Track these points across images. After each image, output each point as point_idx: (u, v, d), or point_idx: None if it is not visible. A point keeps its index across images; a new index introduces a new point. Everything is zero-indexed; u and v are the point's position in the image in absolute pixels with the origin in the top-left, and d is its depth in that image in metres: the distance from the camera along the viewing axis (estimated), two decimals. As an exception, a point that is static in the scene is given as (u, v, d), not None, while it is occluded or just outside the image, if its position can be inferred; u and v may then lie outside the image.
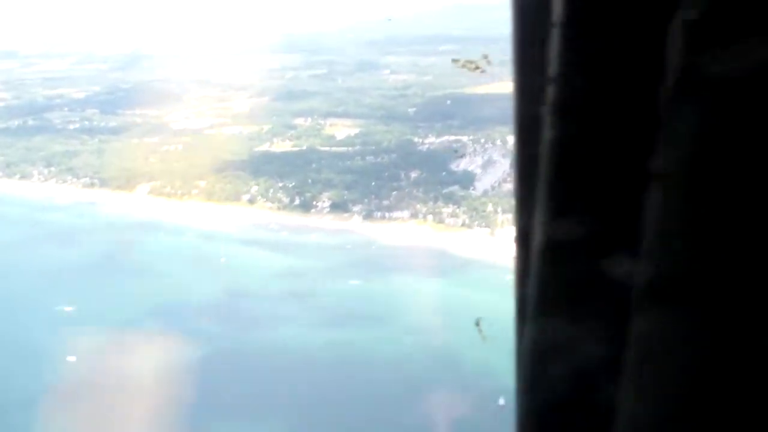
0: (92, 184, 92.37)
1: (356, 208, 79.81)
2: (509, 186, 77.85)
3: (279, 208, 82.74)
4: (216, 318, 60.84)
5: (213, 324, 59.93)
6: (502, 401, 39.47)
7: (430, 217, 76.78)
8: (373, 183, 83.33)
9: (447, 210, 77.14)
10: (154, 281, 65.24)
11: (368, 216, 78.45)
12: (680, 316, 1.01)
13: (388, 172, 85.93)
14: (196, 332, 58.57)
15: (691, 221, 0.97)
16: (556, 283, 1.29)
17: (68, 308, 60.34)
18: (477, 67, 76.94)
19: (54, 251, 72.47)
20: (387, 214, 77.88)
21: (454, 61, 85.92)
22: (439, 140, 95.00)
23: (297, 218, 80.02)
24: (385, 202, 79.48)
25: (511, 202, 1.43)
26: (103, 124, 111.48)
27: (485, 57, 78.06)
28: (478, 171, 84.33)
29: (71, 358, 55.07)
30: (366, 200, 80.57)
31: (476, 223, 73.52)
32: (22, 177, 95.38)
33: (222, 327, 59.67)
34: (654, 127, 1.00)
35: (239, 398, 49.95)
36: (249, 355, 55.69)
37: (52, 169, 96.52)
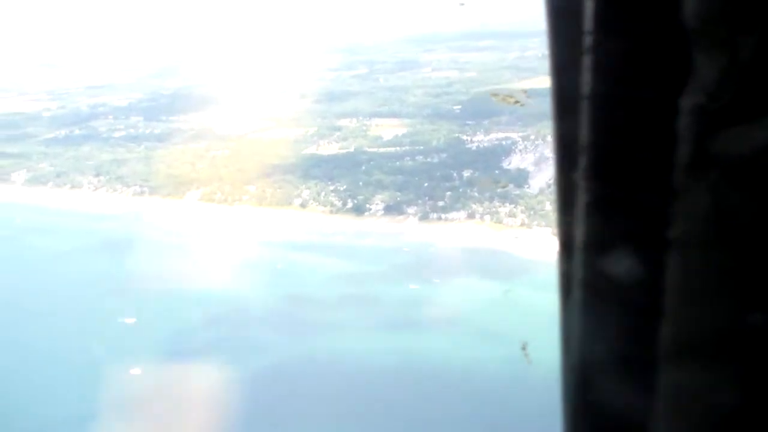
0: (142, 192, 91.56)
1: (411, 210, 78.14)
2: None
3: (331, 212, 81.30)
4: (277, 325, 59.55)
5: (275, 332, 58.66)
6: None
7: (487, 217, 75.00)
8: (425, 184, 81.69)
9: (504, 209, 75.33)
10: (213, 289, 64.04)
11: (424, 218, 76.74)
12: (702, 370, 1.13)
13: (439, 171, 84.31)
14: (258, 340, 57.34)
15: (707, 286, 1.09)
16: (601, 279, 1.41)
17: (130, 320, 59.34)
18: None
19: (110, 261, 71.57)
20: (443, 216, 76.11)
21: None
22: (487, 138, 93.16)
23: (351, 222, 78.54)
24: (440, 203, 77.74)
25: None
26: (148, 131, 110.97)
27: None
28: (531, 168, 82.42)
29: (136, 371, 54.04)
30: (420, 201, 78.91)
31: (535, 222, 71.65)
32: (73, 186, 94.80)
33: (284, 334, 58.38)
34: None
35: (308, 407, 48.62)
36: (313, 362, 54.31)
37: (102, 178, 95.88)
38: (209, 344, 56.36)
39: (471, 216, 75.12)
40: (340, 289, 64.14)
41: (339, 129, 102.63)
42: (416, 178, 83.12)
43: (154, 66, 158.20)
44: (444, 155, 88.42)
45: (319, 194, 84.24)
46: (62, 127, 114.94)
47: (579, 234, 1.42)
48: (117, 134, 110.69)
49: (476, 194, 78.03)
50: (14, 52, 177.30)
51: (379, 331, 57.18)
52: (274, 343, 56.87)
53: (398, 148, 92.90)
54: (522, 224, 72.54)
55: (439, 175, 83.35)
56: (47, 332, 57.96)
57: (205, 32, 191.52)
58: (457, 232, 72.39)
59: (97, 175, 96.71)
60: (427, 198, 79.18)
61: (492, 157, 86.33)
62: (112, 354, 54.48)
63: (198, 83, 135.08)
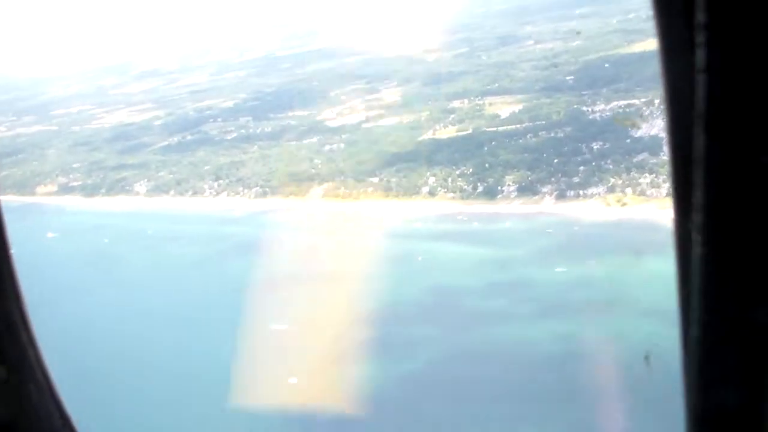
0: (264, 193, 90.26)
1: (545, 189, 74.70)
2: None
3: (462, 198, 78.34)
4: (433, 319, 57.17)
5: (432, 326, 56.29)
6: None
7: (628, 189, 71.04)
8: (555, 160, 78.23)
9: (645, 180, 71.29)
10: (357, 287, 62.03)
11: (561, 196, 73.16)
12: None
13: (567, 146, 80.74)
14: (415, 337, 54.97)
15: None
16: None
17: (281, 327, 57.63)
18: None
19: (246, 265, 70.12)
20: (581, 192, 72.46)
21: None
22: (609, 106, 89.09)
23: (484, 206, 75.47)
24: (575, 179, 74.10)
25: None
26: (258, 130, 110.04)
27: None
28: (664, 134, 77.94)
29: (293, 380, 52.24)
30: (553, 179, 75.44)
31: (682, 190, 67.30)
32: (195, 193, 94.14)
33: (442, 328, 55.89)
34: None
35: (487, 401, 46.04)
36: (479, 355, 51.55)
37: (221, 182, 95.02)
38: (368, 345, 54.28)
39: (611, 190, 71.14)
40: (488, 278, 61.28)
41: (452, 111, 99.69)
42: (544, 155, 79.72)
43: (250, 65, 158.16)
44: (568, 129, 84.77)
45: (446, 180, 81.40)
46: (174, 134, 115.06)
47: None
48: (229, 136, 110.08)
49: (611, 167, 74.15)
50: (116, 64, 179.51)
51: (540, 319, 54.15)
52: (435, 337, 54.39)
53: (518, 126, 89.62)
54: (668, 194, 68.33)
55: (567, 150, 79.79)
56: (200, 343, 56.70)
57: (297, 25, 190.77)
58: (598, 208, 68.76)
59: (217, 179, 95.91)
60: (560, 175, 75.59)
61: (619, 127, 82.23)
62: (269, 364, 52.88)
63: (299, 78, 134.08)
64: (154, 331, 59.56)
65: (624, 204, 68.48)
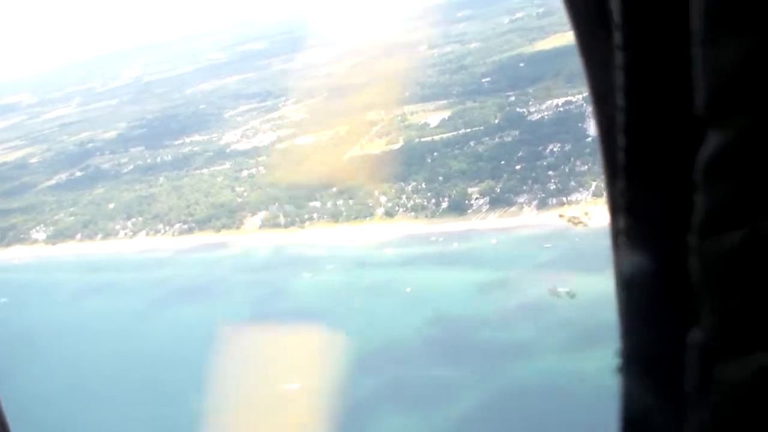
0: (189, 229, 78.39)
1: (521, 199, 66.48)
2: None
3: (427, 216, 68.91)
4: (450, 358, 48.35)
5: (454, 365, 47.51)
6: None
7: (616, 191, 63.86)
8: (518, 167, 70.69)
9: (632, 180, 64.38)
10: (352, 328, 52.35)
11: (542, 205, 65.11)
12: None
13: (521, 151, 73.45)
14: (441, 380, 46.09)
15: None
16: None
17: (293, 386, 47.24)
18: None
19: (203, 314, 59.12)
20: (564, 199, 64.71)
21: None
22: (544, 106, 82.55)
23: (455, 223, 66.24)
24: (552, 186, 66.41)
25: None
26: (158, 159, 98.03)
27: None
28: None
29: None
30: (525, 187, 67.55)
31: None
32: (106, 235, 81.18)
33: (465, 368, 47.12)
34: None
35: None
36: (528, 393, 43.28)
37: (135, 220, 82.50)
38: (397, 394, 45.03)
39: (597, 194, 63.51)
40: (498, 304, 52.76)
41: (373, 123, 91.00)
42: (502, 162, 71.90)
43: (120, 92, 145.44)
44: (514, 132, 77.52)
45: (400, 198, 72.12)
46: (60, 171, 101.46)
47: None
48: (125, 169, 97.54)
49: (585, 168, 67.26)
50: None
51: (580, 348, 46.12)
52: (465, 379, 45.67)
53: (455, 133, 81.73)
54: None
55: (524, 155, 72.31)
56: (209, 416, 45.61)
57: (153, 51, 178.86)
58: (592, 215, 61.06)
59: (129, 217, 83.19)
60: (530, 182, 67.70)
61: (569, 125, 75.48)
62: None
63: (181, 102, 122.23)
64: (129, 415, 47.90)
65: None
